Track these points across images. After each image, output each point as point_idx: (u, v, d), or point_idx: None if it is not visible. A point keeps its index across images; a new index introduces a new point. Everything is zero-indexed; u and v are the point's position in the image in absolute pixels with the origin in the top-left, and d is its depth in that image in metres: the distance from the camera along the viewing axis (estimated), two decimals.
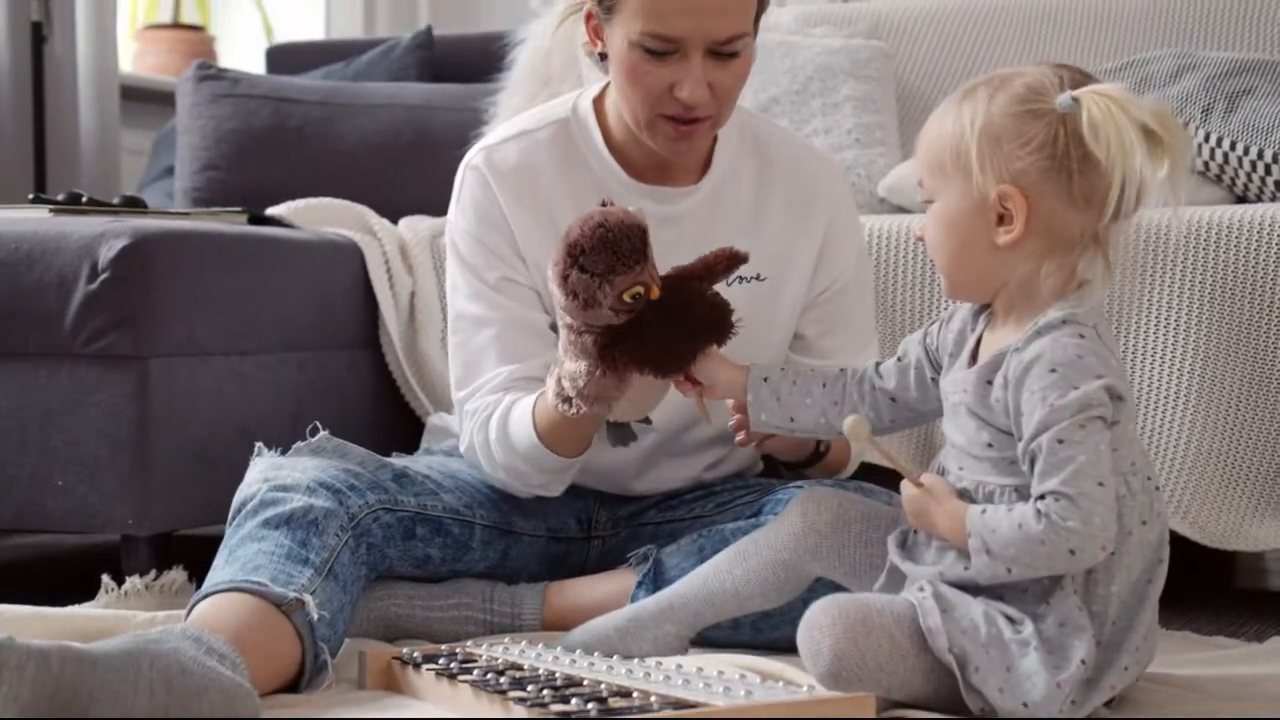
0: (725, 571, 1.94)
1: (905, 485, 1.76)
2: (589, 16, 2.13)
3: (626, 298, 1.86)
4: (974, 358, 1.78)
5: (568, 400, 1.96)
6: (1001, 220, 1.71)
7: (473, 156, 2.25)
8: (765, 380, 1.97)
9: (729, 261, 1.97)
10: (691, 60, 2.04)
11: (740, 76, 2.09)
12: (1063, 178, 1.69)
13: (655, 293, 1.89)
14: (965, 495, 1.73)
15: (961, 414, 1.75)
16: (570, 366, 1.94)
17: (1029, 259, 1.72)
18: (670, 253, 2.17)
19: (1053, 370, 1.64)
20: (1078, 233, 1.71)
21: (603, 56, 2.14)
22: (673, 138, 2.10)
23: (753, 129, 2.29)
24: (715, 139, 2.24)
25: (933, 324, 1.90)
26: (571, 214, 2.10)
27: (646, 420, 2.05)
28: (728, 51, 2.05)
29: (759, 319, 2.23)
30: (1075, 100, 1.67)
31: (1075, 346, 1.66)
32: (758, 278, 2.24)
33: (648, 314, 1.89)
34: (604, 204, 1.92)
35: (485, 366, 2.19)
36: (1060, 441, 1.61)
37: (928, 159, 1.77)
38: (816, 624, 1.69)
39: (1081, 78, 1.71)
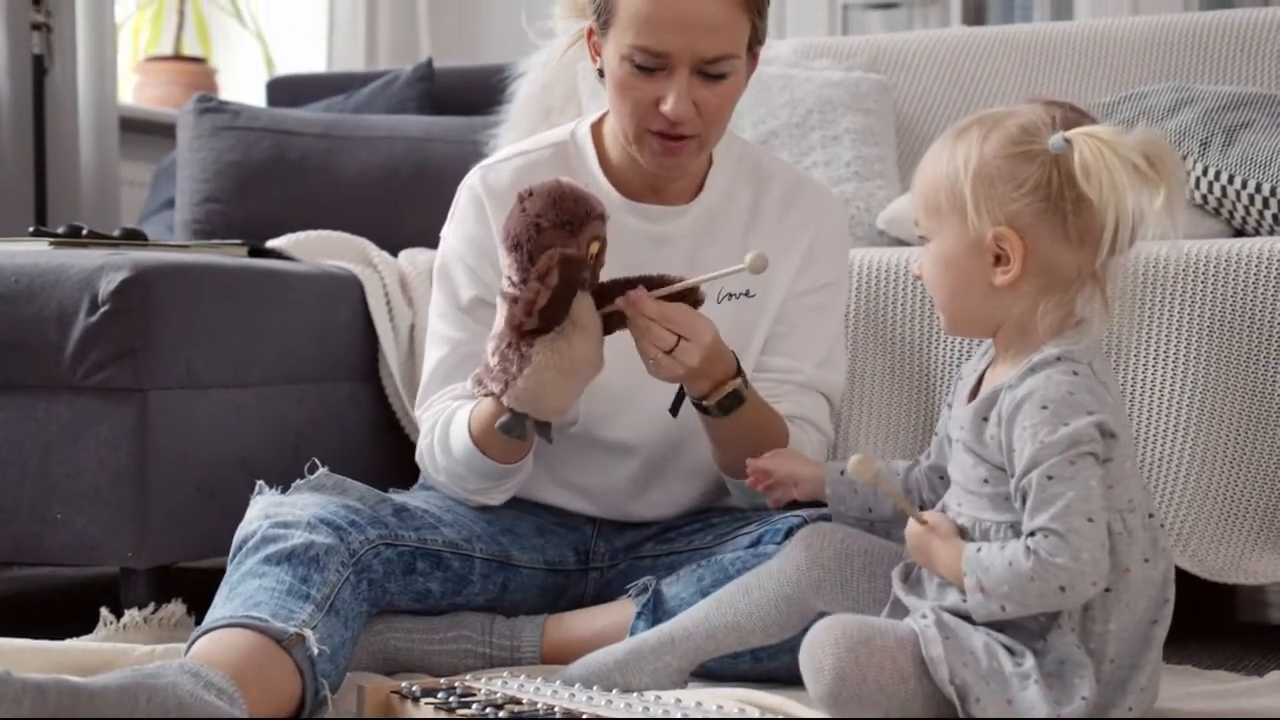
0: (727, 605, 1.94)
1: (910, 522, 1.77)
2: (590, 33, 2.18)
3: (548, 260, 1.92)
4: (974, 395, 1.78)
5: (480, 381, 2.00)
6: (998, 260, 1.72)
7: (470, 176, 2.30)
8: (842, 474, 1.98)
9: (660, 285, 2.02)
10: (678, 76, 2.07)
11: (727, 98, 2.12)
12: (1058, 218, 1.69)
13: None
14: (963, 532, 1.73)
15: (960, 450, 1.75)
16: (491, 335, 2.00)
17: (1026, 298, 1.72)
18: (664, 269, 2.19)
19: (1044, 407, 1.65)
20: (1075, 270, 1.72)
21: (601, 74, 2.18)
22: (658, 153, 2.14)
23: (754, 158, 2.32)
24: (711, 162, 2.26)
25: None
26: None
27: (546, 429, 2.04)
28: (715, 72, 2.09)
29: (744, 332, 2.26)
30: (1067, 141, 1.67)
31: (1067, 383, 1.66)
32: (747, 294, 2.27)
33: (562, 292, 1.94)
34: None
35: (446, 382, 2.24)
36: (1050, 478, 1.62)
37: (923, 199, 1.77)
38: (820, 642, 1.70)
39: (1075, 116, 1.72)
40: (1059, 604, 1.63)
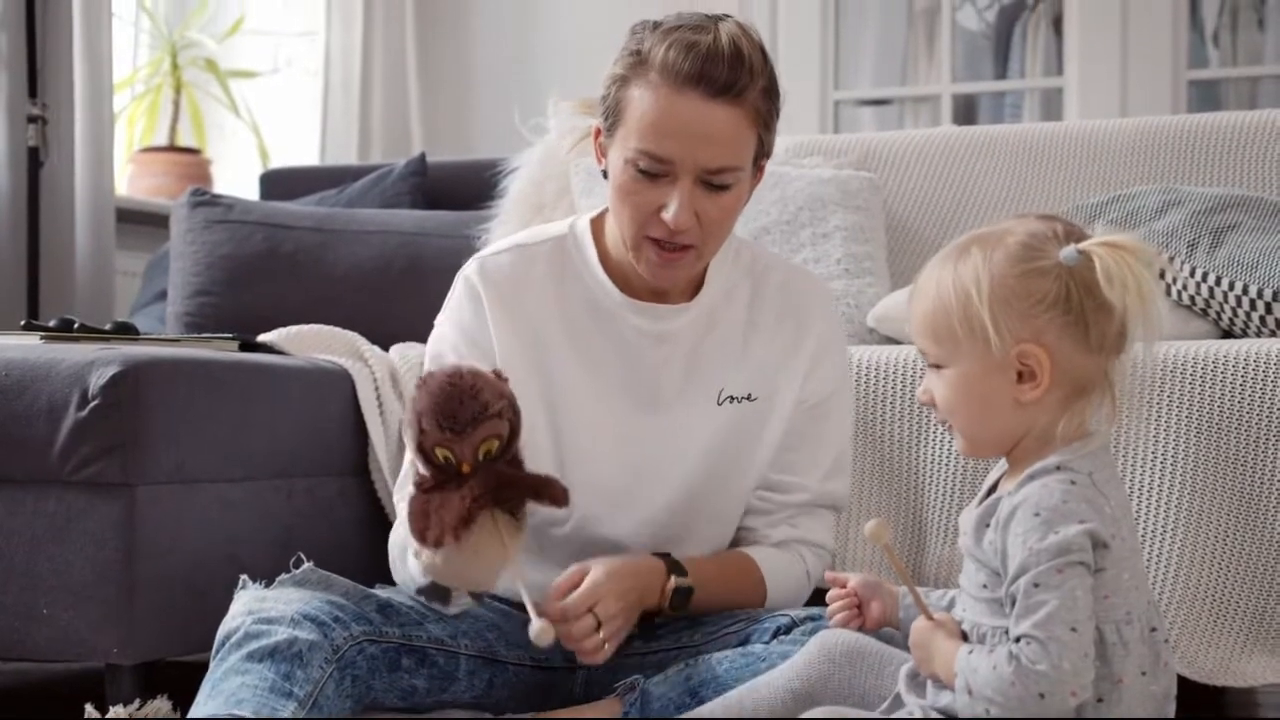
0: (735, 701, 1.95)
1: (919, 617, 1.77)
2: (597, 133, 2.18)
3: (439, 454, 1.84)
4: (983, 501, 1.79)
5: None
6: (1021, 377, 1.72)
7: (467, 265, 2.28)
8: (950, 605, 1.97)
9: (541, 491, 1.92)
10: (681, 185, 2.07)
11: (728, 210, 2.12)
12: (1080, 328, 1.70)
13: (464, 469, 1.85)
14: (965, 636, 1.74)
15: (965, 557, 1.76)
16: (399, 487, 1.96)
17: (1050, 410, 1.73)
18: (662, 369, 2.19)
19: (1036, 514, 1.65)
20: (1093, 377, 1.73)
21: (606, 174, 2.18)
22: (656, 263, 2.14)
23: (750, 253, 2.33)
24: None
25: None
26: (559, 329, 2.13)
27: (477, 597, 2.01)
28: (718, 183, 2.08)
29: (747, 438, 2.26)
30: (1082, 253, 1.68)
31: (1061, 492, 1.66)
32: (748, 398, 2.26)
33: (450, 483, 1.86)
34: (498, 374, 1.89)
35: None
36: (1036, 585, 1.62)
37: (931, 327, 1.76)
38: None
39: (1073, 228, 1.73)
40: (1040, 711, 1.63)
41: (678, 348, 2.25)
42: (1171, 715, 1.72)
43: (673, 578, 2.14)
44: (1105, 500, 1.69)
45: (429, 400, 1.83)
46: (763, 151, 2.15)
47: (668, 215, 2.08)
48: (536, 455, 2.18)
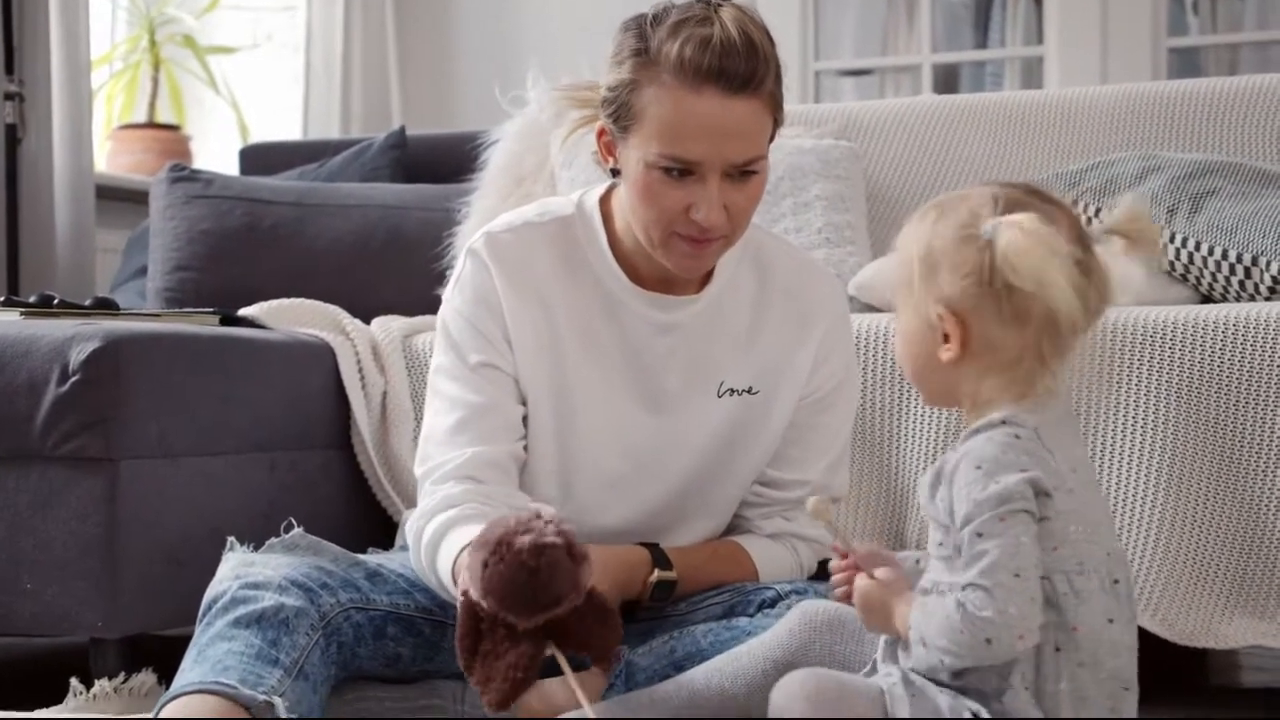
0: (714, 669, 1.96)
1: (860, 577, 1.78)
2: (601, 132, 2.13)
3: (500, 617, 1.78)
4: None
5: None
6: (946, 339, 1.74)
7: (474, 240, 2.23)
8: (917, 562, 1.98)
9: (598, 654, 1.87)
10: (709, 183, 2.03)
11: (754, 197, 2.09)
12: (993, 301, 1.71)
13: (520, 628, 1.78)
14: (925, 595, 1.75)
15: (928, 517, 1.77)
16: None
17: (971, 376, 1.75)
18: (666, 360, 2.19)
19: (978, 466, 1.67)
20: (1018, 350, 1.73)
21: (614, 172, 2.14)
22: (687, 255, 2.09)
23: (756, 241, 2.28)
24: None
25: None
26: (566, 313, 2.12)
27: None
28: (745, 173, 2.05)
29: (746, 432, 2.24)
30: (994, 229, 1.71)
31: (1002, 444, 1.68)
32: (749, 391, 2.23)
33: (500, 629, 1.80)
34: (571, 550, 1.77)
35: (451, 445, 2.15)
36: (980, 534, 1.64)
37: (892, 279, 1.81)
38: (793, 692, 1.71)
39: (1020, 197, 1.74)
40: (989, 656, 1.64)
41: (683, 339, 2.21)
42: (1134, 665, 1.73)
43: (655, 571, 2.14)
44: (1050, 455, 1.70)
45: (500, 584, 1.73)
46: (775, 131, 2.11)
47: (699, 215, 2.03)
48: (540, 437, 2.18)
